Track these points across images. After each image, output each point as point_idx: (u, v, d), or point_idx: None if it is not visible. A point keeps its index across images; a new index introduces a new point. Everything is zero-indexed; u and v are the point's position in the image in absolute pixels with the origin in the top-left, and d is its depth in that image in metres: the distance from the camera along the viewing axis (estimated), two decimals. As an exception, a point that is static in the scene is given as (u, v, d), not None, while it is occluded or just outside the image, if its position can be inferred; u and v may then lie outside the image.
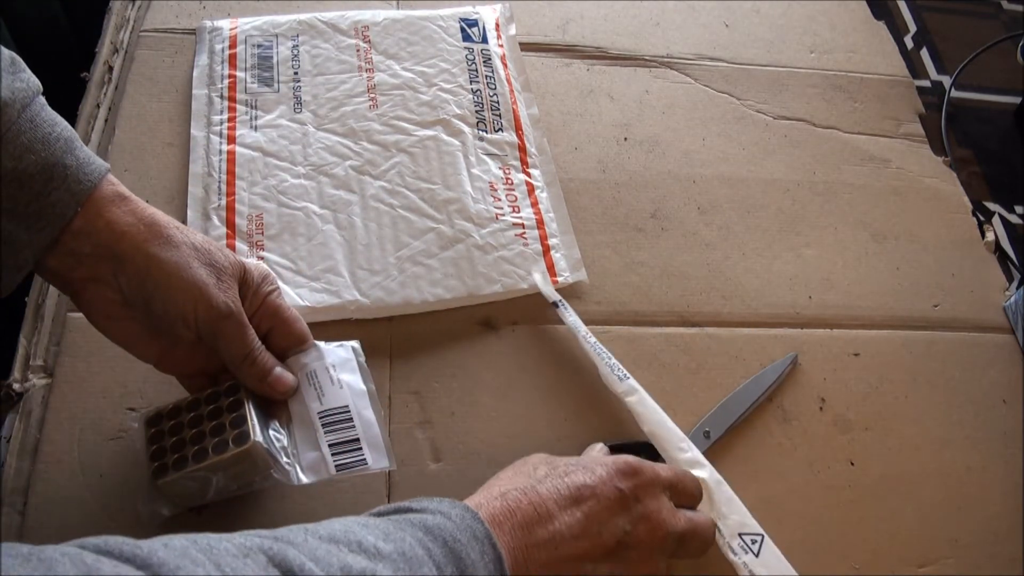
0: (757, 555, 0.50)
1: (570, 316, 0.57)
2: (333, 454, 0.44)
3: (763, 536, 0.51)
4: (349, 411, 0.46)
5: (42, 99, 0.42)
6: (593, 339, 0.56)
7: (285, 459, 0.44)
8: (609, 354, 0.55)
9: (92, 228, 0.42)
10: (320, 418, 0.46)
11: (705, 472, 0.51)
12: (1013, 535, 0.55)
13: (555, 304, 0.58)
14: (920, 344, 0.63)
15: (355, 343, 0.50)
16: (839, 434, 0.57)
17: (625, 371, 0.54)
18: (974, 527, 0.55)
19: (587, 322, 0.59)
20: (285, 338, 0.48)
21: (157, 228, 0.43)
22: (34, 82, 0.42)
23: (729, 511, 0.51)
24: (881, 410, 0.59)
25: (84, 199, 0.41)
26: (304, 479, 0.44)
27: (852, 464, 0.56)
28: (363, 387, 0.48)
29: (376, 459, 0.45)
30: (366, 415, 0.47)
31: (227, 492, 0.44)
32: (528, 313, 0.59)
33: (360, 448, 0.45)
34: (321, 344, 0.49)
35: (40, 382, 0.51)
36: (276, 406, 0.47)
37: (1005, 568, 0.54)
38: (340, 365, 0.48)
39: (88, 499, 0.47)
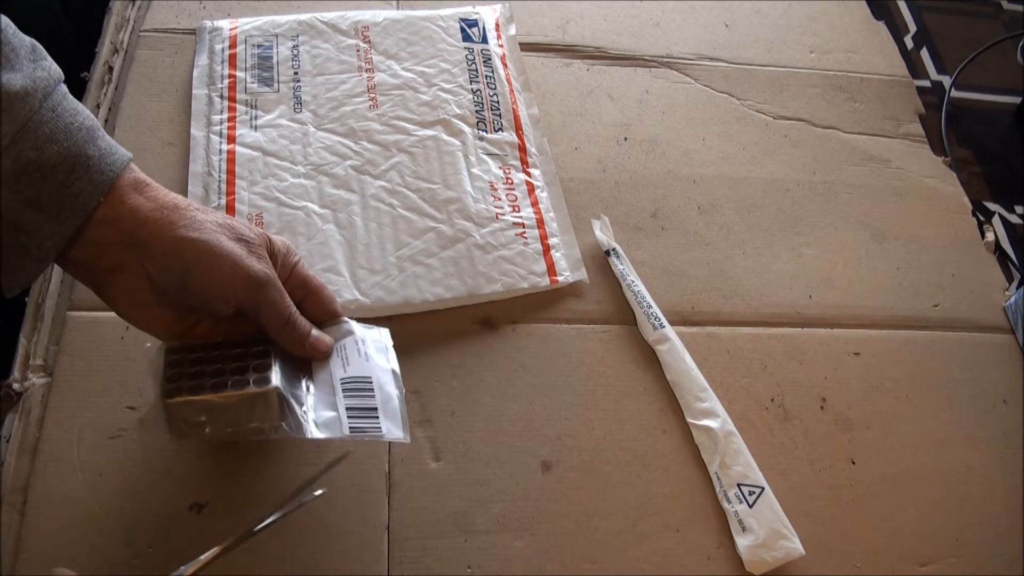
0: (751, 506, 0.52)
1: (620, 265, 0.61)
2: (349, 417, 0.45)
3: (763, 489, 0.52)
4: (371, 382, 0.47)
5: (64, 87, 0.41)
6: (638, 288, 0.60)
7: (300, 411, 0.44)
8: (650, 303, 0.59)
9: (115, 216, 0.41)
10: (342, 384, 0.46)
11: (717, 423, 0.54)
12: (1014, 534, 0.55)
13: (607, 253, 0.62)
14: (920, 344, 0.63)
15: (386, 330, 0.51)
16: (840, 433, 0.57)
17: (663, 320, 0.58)
18: (975, 526, 0.55)
19: (587, 321, 0.59)
20: (317, 307, 0.48)
21: (180, 212, 0.43)
22: (55, 70, 0.41)
23: (734, 462, 0.53)
24: (882, 409, 0.59)
25: (107, 189, 0.41)
26: (317, 434, 0.44)
27: (853, 463, 0.56)
28: (389, 366, 0.49)
29: (391, 429, 0.45)
30: (388, 389, 0.47)
31: (234, 433, 0.44)
32: (528, 312, 0.59)
33: (376, 417, 0.45)
34: (352, 322, 0.49)
35: (40, 381, 0.51)
36: (299, 370, 0.47)
37: (1006, 567, 0.54)
38: (371, 343, 0.49)
39: (88, 498, 0.47)
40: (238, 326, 0.46)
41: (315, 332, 0.47)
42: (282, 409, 0.43)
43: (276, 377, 0.44)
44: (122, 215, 0.41)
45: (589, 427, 0.55)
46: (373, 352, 0.49)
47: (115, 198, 0.41)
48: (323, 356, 0.47)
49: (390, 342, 0.50)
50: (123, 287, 0.43)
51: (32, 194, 0.39)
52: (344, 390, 0.46)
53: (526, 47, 0.75)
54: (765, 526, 0.51)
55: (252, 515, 0.48)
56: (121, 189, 0.42)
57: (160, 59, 0.67)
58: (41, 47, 0.41)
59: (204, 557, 0.42)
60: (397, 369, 0.49)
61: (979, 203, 0.74)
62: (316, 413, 0.45)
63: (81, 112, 0.41)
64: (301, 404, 0.45)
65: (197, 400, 0.42)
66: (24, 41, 0.40)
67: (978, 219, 0.71)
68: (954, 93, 0.82)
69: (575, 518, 0.51)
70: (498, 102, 0.68)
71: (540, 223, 0.62)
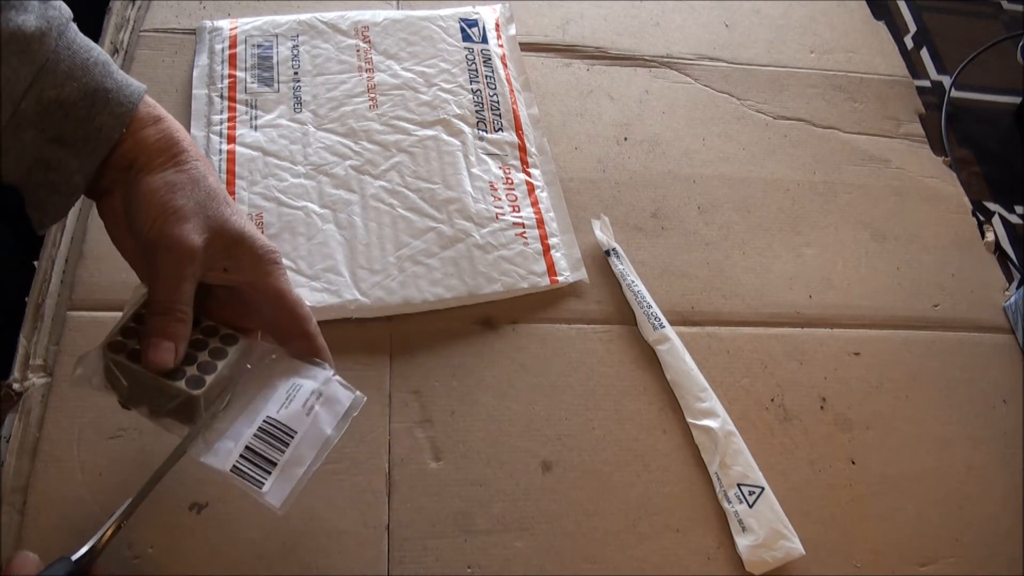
0: (751, 506, 0.52)
1: (620, 265, 0.61)
2: (242, 456, 0.41)
3: (763, 489, 0.52)
4: (293, 436, 0.43)
5: (74, 25, 0.42)
6: (638, 288, 0.60)
7: (205, 429, 0.42)
8: (650, 303, 0.59)
9: (124, 145, 0.42)
10: (264, 422, 0.43)
11: (717, 423, 0.54)
12: (1014, 534, 0.55)
13: (607, 253, 0.62)
14: (920, 344, 0.63)
15: (362, 397, 0.46)
16: (840, 433, 0.57)
17: (663, 320, 0.58)
18: (975, 526, 0.55)
19: (587, 321, 0.59)
20: (290, 325, 0.45)
21: (172, 152, 0.42)
22: (65, 9, 0.41)
23: (734, 462, 0.53)
24: (882, 409, 0.59)
25: (128, 121, 0.41)
26: (200, 458, 0.41)
27: (853, 463, 0.56)
28: (327, 432, 0.44)
29: (273, 493, 0.41)
30: (304, 453, 0.43)
31: (144, 411, 0.42)
32: (528, 312, 0.59)
33: (270, 472, 0.42)
34: (331, 373, 0.45)
35: (40, 381, 0.51)
36: (249, 385, 0.44)
37: (1006, 567, 0.54)
38: (328, 400, 0.45)
39: (87, 498, 0.47)
40: (234, 310, 0.44)
41: (165, 344, 0.41)
42: (195, 417, 0.41)
43: (209, 387, 0.41)
44: (128, 144, 0.42)
45: (589, 427, 0.55)
46: (322, 411, 0.44)
47: (130, 129, 0.42)
48: (149, 364, 0.41)
49: (356, 412, 0.45)
50: (109, 207, 0.43)
51: (56, 131, 0.40)
52: (260, 430, 0.42)
53: (526, 47, 0.75)
54: (765, 526, 0.51)
55: (252, 515, 0.48)
56: (136, 121, 0.42)
57: (160, 59, 0.67)
58: None
59: (100, 536, 0.40)
60: (335, 440, 0.44)
61: (979, 203, 0.74)
62: (220, 439, 0.42)
63: (94, 48, 0.42)
64: (215, 425, 0.42)
65: (129, 366, 0.41)
66: None
67: (978, 219, 0.71)
68: (954, 93, 0.82)
69: (575, 518, 0.51)
70: (498, 102, 0.68)
71: (540, 223, 0.62)
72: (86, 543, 0.40)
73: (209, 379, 0.42)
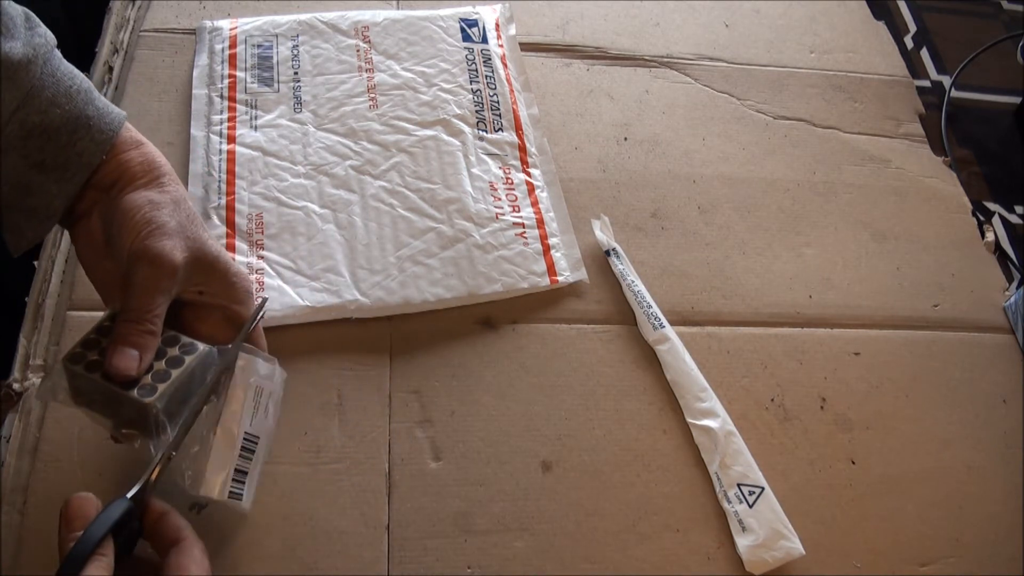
0: (751, 506, 0.52)
1: (619, 265, 0.61)
2: (233, 479, 0.43)
3: (763, 489, 0.52)
4: (258, 443, 0.44)
5: (58, 52, 0.42)
6: (638, 288, 0.60)
7: (182, 460, 0.41)
8: (650, 303, 0.59)
9: (105, 168, 0.43)
10: (244, 438, 0.44)
11: (717, 423, 0.54)
12: (1014, 534, 0.55)
13: (607, 252, 0.62)
14: (920, 344, 0.63)
15: (284, 372, 0.47)
16: (840, 433, 0.57)
17: (663, 320, 0.58)
18: (975, 526, 0.55)
19: (588, 321, 0.59)
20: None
21: (154, 174, 0.43)
22: (50, 36, 0.42)
23: (734, 462, 0.53)
24: (882, 409, 0.59)
25: (108, 148, 0.42)
26: (198, 490, 0.42)
27: (853, 463, 0.56)
28: (272, 427, 0.46)
29: (246, 501, 0.43)
30: (261, 454, 0.45)
31: (114, 428, 0.42)
32: (528, 312, 0.59)
33: (245, 483, 0.43)
34: (279, 370, 0.46)
35: (40, 381, 0.51)
36: (220, 395, 0.44)
37: (1006, 567, 0.54)
38: (275, 395, 0.46)
39: (88, 498, 0.47)
40: (195, 321, 0.45)
41: (132, 351, 0.40)
42: (156, 430, 0.40)
43: (162, 397, 0.40)
44: (110, 167, 0.43)
45: (589, 427, 0.55)
46: (272, 408, 0.45)
47: (114, 152, 0.43)
48: (111, 368, 0.40)
49: (282, 392, 0.47)
50: (84, 232, 0.43)
51: (38, 156, 0.41)
52: (242, 448, 0.43)
53: (526, 47, 0.75)
54: (765, 526, 0.51)
55: (251, 516, 0.48)
56: (117, 146, 0.43)
57: (160, 59, 0.67)
58: (34, 15, 0.42)
59: (151, 470, 0.40)
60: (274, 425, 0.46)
61: (979, 203, 0.74)
62: (208, 467, 0.42)
63: (77, 75, 0.43)
64: (190, 453, 0.42)
65: (86, 376, 0.41)
66: (18, 10, 0.41)
67: (978, 219, 0.71)
68: (954, 93, 0.82)
69: (575, 518, 0.51)
70: (498, 102, 0.68)
71: (540, 223, 0.62)
72: (139, 480, 0.39)
73: (161, 387, 0.41)
